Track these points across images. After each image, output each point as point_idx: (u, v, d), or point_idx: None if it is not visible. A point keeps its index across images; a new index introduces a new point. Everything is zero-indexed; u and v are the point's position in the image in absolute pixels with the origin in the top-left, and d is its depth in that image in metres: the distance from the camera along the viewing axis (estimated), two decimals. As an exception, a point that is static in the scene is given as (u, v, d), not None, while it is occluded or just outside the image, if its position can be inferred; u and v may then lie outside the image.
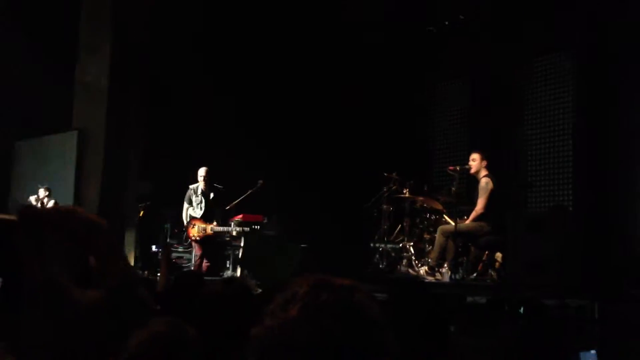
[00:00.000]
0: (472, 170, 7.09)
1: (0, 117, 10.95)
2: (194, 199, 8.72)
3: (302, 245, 8.44)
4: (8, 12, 10.36)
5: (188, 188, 8.79)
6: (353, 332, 1.02)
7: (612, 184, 8.15)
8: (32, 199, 9.74)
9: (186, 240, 9.33)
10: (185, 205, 8.76)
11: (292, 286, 1.10)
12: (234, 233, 8.47)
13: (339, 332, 1.01)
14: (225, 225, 8.56)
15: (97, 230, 1.26)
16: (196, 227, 8.52)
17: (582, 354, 3.21)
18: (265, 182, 8.66)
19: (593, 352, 3.08)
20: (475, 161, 7.06)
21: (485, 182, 6.89)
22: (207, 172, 8.69)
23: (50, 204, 9.57)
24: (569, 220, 6.42)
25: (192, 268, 8.47)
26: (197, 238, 8.48)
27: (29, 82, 10.67)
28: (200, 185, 8.70)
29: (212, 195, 8.68)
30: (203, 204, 8.66)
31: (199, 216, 8.58)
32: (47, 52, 10.45)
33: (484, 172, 7.01)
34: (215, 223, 8.52)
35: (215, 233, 8.48)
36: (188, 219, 8.67)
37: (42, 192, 9.66)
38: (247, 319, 1.28)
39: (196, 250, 8.58)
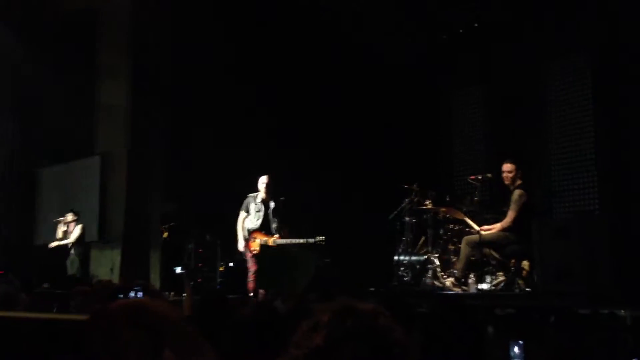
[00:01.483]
0: (507, 182, 6.93)
1: (24, 143, 11.16)
2: (252, 207, 8.07)
3: (326, 260, 8.41)
4: (27, 37, 10.56)
5: (246, 196, 8.19)
6: (380, 357, 1.04)
7: (637, 186, 8.03)
8: (61, 224, 9.86)
9: (242, 254, 8.45)
10: (242, 214, 8.10)
11: (316, 313, 1.12)
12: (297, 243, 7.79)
13: (366, 358, 1.03)
14: (289, 238, 7.91)
15: (171, 323, 1.23)
16: (257, 240, 7.91)
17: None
18: (288, 199, 8.28)
19: None
20: (511, 173, 6.88)
21: (518, 195, 6.74)
22: (269, 180, 8.13)
23: (77, 228, 9.69)
24: (595, 226, 6.32)
25: (249, 285, 7.79)
26: (259, 252, 7.83)
27: (51, 107, 10.85)
28: (261, 193, 8.10)
29: (272, 205, 8.10)
30: (262, 214, 8.04)
31: (256, 227, 7.97)
32: (68, 77, 10.61)
33: (518, 182, 6.88)
34: (277, 236, 7.94)
35: (279, 247, 7.87)
36: (246, 231, 8.01)
37: (70, 217, 9.81)
38: (275, 344, 1.28)
39: (251, 266, 7.85)
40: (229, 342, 2.33)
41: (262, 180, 8.10)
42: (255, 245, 7.84)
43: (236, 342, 2.33)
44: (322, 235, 7.57)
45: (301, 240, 7.72)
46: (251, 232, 7.94)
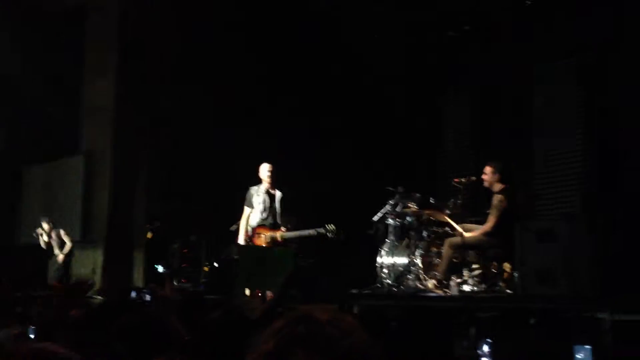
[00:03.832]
0: (485, 184, 6.93)
1: (8, 142, 11.08)
2: (255, 199, 7.27)
3: (310, 261, 8.38)
4: (15, 36, 10.50)
5: (247, 189, 7.41)
6: None
7: (620, 189, 8.06)
8: (39, 232, 9.66)
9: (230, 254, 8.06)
10: (246, 210, 7.32)
11: (277, 320, 1.13)
12: (309, 235, 7.16)
13: None
14: (297, 230, 7.17)
15: None
16: (263, 236, 7.17)
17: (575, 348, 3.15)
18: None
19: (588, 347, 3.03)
20: (487, 175, 6.86)
21: (498, 200, 6.70)
22: (273, 168, 7.34)
23: (64, 236, 9.58)
24: (577, 229, 6.34)
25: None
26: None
27: (36, 106, 10.79)
28: (264, 184, 7.33)
29: (279, 195, 7.34)
30: (267, 207, 7.25)
31: (262, 221, 7.22)
32: (54, 75, 10.55)
33: (498, 187, 6.80)
34: (284, 229, 7.21)
35: (286, 241, 7.18)
36: (251, 228, 7.27)
37: (45, 226, 9.56)
38: (241, 350, 1.30)
39: None
40: (194, 345, 2.31)
41: (265, 169, 7.32)
42: (260, 242, 7.15)
43: (201, 346, 2.30)
44: (331, 224, 6.97)
45: (310, 231, 7.10)
46: (255, 228, 7.23)
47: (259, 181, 7.37)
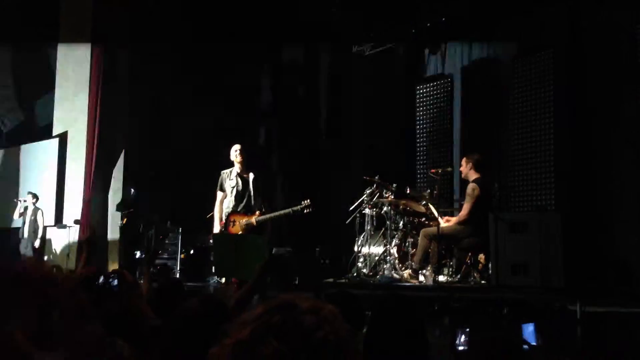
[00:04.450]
0: (462, 175, 7.15)
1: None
2: (227, 183, 6.91)
3: (288, 249, 8.40)
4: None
5: (219, 174, 7.08)
6: (301, 355, 1.03)
7: (593, 184, 8.21)
8: (19, 204, 9.65)
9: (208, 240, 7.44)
10: (219, 194, 7.01)
11: (257, 307, 1.12)
12: (282, 215, 6.83)
13: (287, 354, 1.03)
14: (272, 211, 6.79)
15: (60, 287, 1.20)
16: (237, 223, 6.80)
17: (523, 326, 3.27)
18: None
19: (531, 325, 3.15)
20: (462, 166, 7.13)
21: (471, 189, 6.87)
22: (242, 149, 6.93)
23: (39, 215, 9.50)
24: (550, 222, 6.46)
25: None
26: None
27: (11, 88, 10.60)
28: (236, 167, 6.93)
29: (252, 177, 6.94)
30: (240, 189, 6.85)
31: (235, 207, 6.85)
32: (28, 59, 10.37)
33: (472, 176, 6.98)
34: (258, 212, 6.80)
35: (261, 224, 6.78)
36: (225, 215, 6.90)
37: (29, 198, 9.63)
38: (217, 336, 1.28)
39: None
40: (170, 333, 2.31)
41: (235, 149, 6.95)
42: (236, 230, 6.79)
43: (176, 333, 2.30)
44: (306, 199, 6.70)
45: (286, 211, 6.83)
46: (229, 216, 6.86)
47: (231, 164, 7.05)
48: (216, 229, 7.01)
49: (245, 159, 6.90)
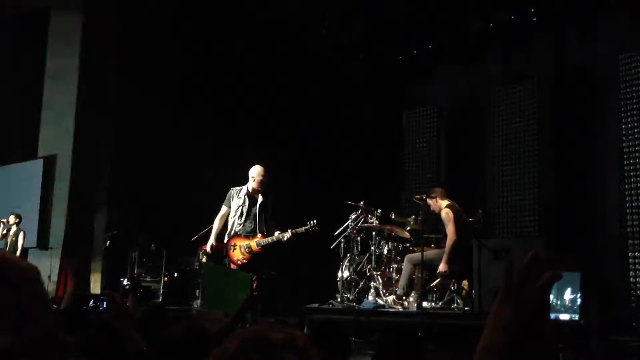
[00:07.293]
0: (437, 212, 7.12)
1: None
2: (234, 201, 6.58)
3: (272, 273, 8.34)
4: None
5: (229, 189, 6.74)
6: None
7: (576, 210, 8.29)
8: (1, 226, 9.47)
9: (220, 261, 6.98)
10: (223, 208, 6.69)
11: (228, 341, 1.09)
12: (285, 239, 6.45)
13: None
14: (271, 235, 6.45)
15: (27, 276, 1.24)
16: (238, 248, 6.51)
17: None
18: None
19: None
20: (431, 205, 7.11)
21: (445, 212, 6.92)
22: (265, 172, 6.57)
23: (21, 236, 9.35)
24: (533, 249, 6.49)
25: None
26: (245, 262, 6.44)
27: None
28: (247, 187, 6.60)
29: (260, 200, 6.57)
30: (245, 209, 6.54)
31: (238, 228, 6.52)
32: (14, 78, 10.35)
33: (444, 205, 7.02)
34: (260, 235, 6.48)
35: (263, 248, 6.48)
36: (228, 236, 6.60)
37: (12, 219, 9.41)
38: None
39: None
40: (153, 357, 2.30)
41: (258, 172, 6.57)
42: (237, 255, 6.48)
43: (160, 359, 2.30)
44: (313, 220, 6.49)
45: (286, 234, 6.49)
46: (230, 240, 6.57)
47: (242, 183, 6.73)
48: (210, 242, 6.74)
49: (264, 183, 6.56)
